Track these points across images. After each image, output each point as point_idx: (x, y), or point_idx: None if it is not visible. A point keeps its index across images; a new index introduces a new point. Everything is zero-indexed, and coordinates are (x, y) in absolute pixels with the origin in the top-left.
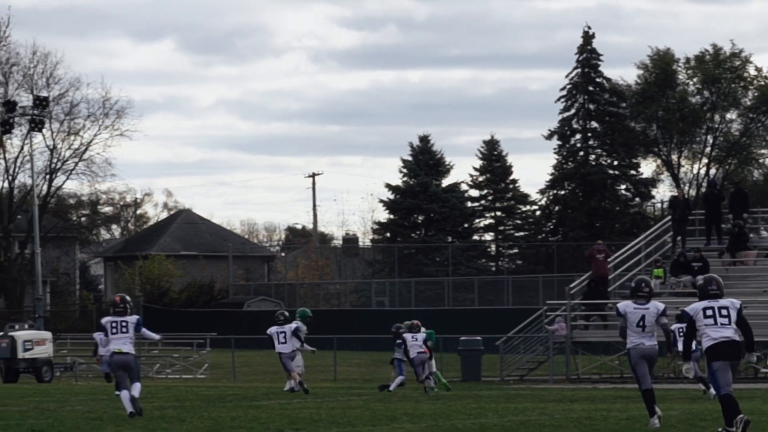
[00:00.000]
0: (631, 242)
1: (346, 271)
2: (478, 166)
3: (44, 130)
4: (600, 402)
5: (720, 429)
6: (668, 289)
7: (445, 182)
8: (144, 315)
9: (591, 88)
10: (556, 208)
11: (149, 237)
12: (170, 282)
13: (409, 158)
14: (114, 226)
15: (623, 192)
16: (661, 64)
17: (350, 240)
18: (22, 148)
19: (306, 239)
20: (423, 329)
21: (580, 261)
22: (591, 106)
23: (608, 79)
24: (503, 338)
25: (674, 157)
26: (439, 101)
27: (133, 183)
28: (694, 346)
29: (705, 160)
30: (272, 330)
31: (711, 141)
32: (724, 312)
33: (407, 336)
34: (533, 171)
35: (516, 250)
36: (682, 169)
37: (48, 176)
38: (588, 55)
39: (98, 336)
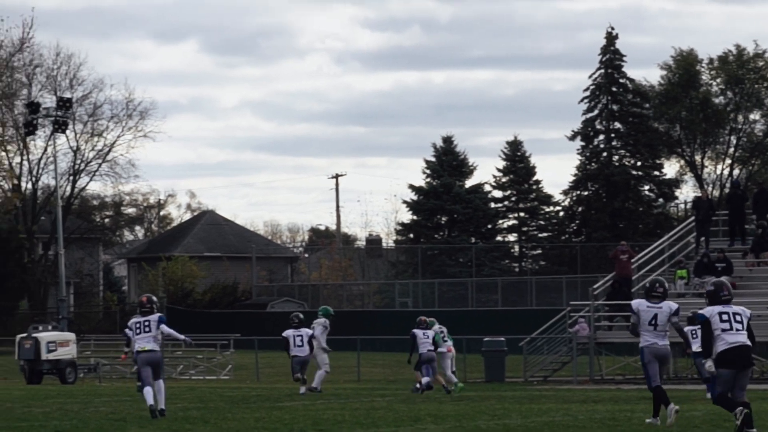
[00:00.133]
0: (654, 243)
1: (370, 272)
2: (501, 167)
3: (68, 132)
4: (624, 403)
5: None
6: (692, 290)
7: (469, 183)
8: (167, 316)
9: (614, 89)
10: (580, 208)
11: (173, 238)
12: (194, 283)
13: (433, 159)
14: (137, 228)
15: (647, 193)
16: (685, 64)
17: (374, 241)
18: (45, 150)
19: (329, 240)
20: (440, 327)
21: (604, 262)
22: (614, 107)
23: (631, 80)
24: (527, 339)
25: (698, 157)
26: (462, 102)
27: (156, 184)
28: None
29: (728, 161)
30: (289, 333)
31: (734, 141)
32: (738, 318)
33: (418, 332)
34: (557, 172)
35: (539, 251)
36: (706, 170)
37: (71, 177)
38: (611, 56)
39: (129, 332)
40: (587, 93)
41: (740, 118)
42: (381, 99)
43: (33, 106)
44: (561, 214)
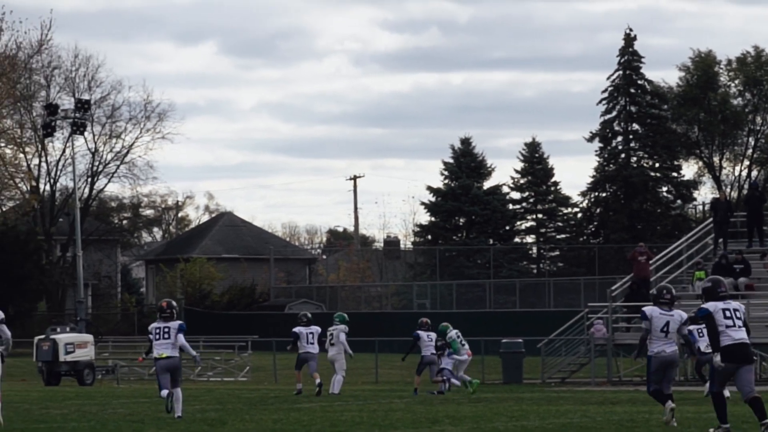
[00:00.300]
0: (672, 244)
1: (388, 274)
2: (519, 169)
3: (86, 133)
4: (642, 404)
5: (712, 430)
6: None
7: (487, 185)
8: (185, 318)
9: (633, 91)
10: (598, 210)
11: (191, 240)
12: (211, 285)
13: (451, 161)
14: (155, 229)
15: (665, 194)
16: (703, 66)
17: (391, 242)
18: (63, 151)
19: (347, 242)
20: (456, 332)
21: (622, 263)
22: (632, 109)
23: (650, 82)
24: (545, 341)
25: (716, 159)
26: (480, 104)
27: (174, 186)
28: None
29: (747, 162)
30: (300, 329)
31: (753, 143)
32: (738, 314)
33: (422, 334)
34: (575, 173)
35: (557, 253)
36: (724, 171)
37: (89, 179)
38: (630, 58)
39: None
40: (605, 94)
41: (758, 119)
42: (399, 100)
43: (51, 108)
44: (579, 215)
